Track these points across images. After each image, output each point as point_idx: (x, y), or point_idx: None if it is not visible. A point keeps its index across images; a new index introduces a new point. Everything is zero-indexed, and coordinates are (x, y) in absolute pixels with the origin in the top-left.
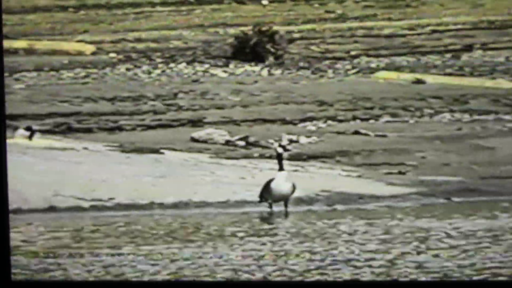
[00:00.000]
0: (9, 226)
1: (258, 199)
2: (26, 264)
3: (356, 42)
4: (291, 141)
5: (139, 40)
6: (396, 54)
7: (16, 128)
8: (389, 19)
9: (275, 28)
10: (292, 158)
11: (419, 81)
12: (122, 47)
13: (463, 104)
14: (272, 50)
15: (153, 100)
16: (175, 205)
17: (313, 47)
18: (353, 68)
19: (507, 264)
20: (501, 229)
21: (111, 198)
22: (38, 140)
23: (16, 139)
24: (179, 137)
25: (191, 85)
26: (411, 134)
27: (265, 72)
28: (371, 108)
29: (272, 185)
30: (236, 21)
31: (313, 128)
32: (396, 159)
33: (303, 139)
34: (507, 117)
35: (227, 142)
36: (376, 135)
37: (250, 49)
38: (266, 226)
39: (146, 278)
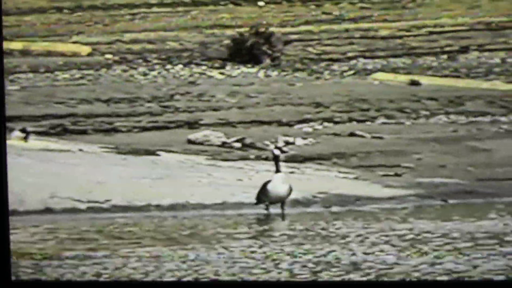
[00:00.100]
0: (9, 226)
1: (255, 201)
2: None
3: (352, 43)
4: (287, 143)
5: (135, 41)
6: (392, 55)
7: (11, 130)
8: (385, 20)
9: (271, 29)
10: (288, 160)
11: (415, 83)
12: (117, 48)
13: (459, 106)
14: (268, 51)
15: (149, 101)
16: (172, 207)
17: (309, 49)
18: (350, 69)
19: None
20: (499, 232)
21: (107, 200)
22: (34, 142)
23: (12, 141)
24: (175, 139)
25: (187, 86)
26: (407, 136)
27: (261, 73)
28: (367, 110)
29: (269, 187)
30: (232, 23)
31: (310, 130)
32: (393, 161)
33: (299, 141)
34: (503, 118)
35: (224, 144)
36: (373, 137)
37: (247, 50)
38: (263, 228)
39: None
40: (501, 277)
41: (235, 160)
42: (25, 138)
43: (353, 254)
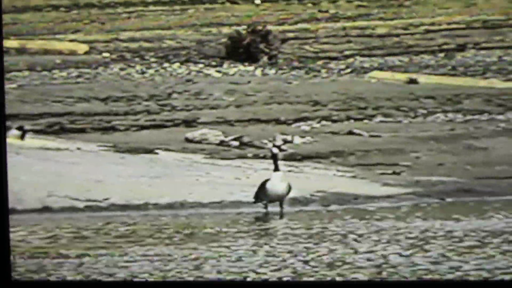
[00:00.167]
0: (9, 226)
1: (253, 199)
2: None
3: (349, 42)
4: (285, 141)
5: (132, 39)
6: (389, 54)
7: (8, 128)
8: (382, 19)
9: (268, 27)
10: (286, 158)
11: (412, 81)
12: (115, 46)
13: (456, 104)
14: (265, 50)
15: (147, 100)
16: (170, 206)
17: (306, 47)
18: (347, 68)
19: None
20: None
21: (106, 199)
22: (32, 140)
23: (9, 139)
24: (173, 137)
25: (185, 85)
26: (405, 134)
27: (258, 72)
28: (365, 108)
29: (268, 185)
30: (229, 21)
31: (307, 128)
32: (391, 160)
33: (297, 139)
34: (500, 117)
35: (221, 143)
36: (371, 136)
37: (244, 49)
38: (261, 227)
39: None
40: (503, 277)
41: (233, 159)
42: (22, 137)
43: (353, 253)
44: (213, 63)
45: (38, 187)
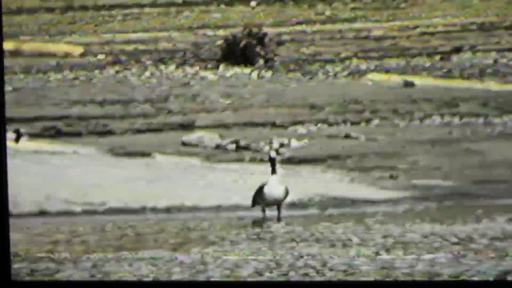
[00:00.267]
0: (9, 226)
1: (250, 203)
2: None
3: (345, 44)
4: (282, 145)
5: (127, 42)
6: (385, 56)
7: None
8: (378, 21)
9: (264, 30)
10: (283, 161)
11: (409, 84)
12: (110, 49)
13: (453, 107)
14: (261, 52)
15: (143, 103)
16: (167, 209)
17: (302, 49)
18: (343, 70)
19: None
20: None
21: (103, 202)
22: (27, 144)
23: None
24: (169, 141)
25: (181, 88)
26: (402, 138)
27: (255, 74)
28: (362, 111)
29: (265, 189)
30: (224, 23)
31: (304, 131)
32: (388, 163)
33: (294, 143)
34: (497, 120)
35: (218, 146)
36: (367, 139)
37: (240, 51)
38: (259, 231)
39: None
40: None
41: (230, 162)
42: (17, 140)
43: (352, 257)
44: (209, 66)
45: (35, 190)
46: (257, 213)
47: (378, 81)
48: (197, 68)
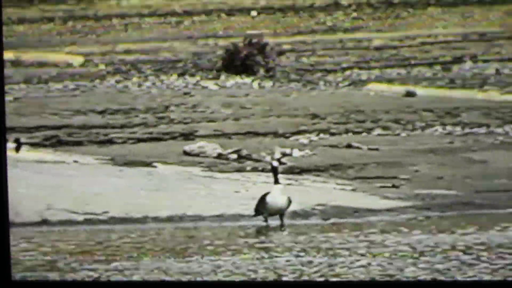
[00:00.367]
0: (9, 226)
1: (253, 212)
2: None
3: (346, 54)
4: (283, 154)
5: (128, 52)
6: (386, 66)
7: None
8: (379, 31)
9: (265, 39)
10: (285, 171)
11: (410, 94)
12: (111, 59)
13: (454, 117)
14: (262, 62)
15: (144, 112)
16: (170, 219)
17: (303, 59)
18: (344, 80)
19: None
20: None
21: (104, 212)
22: (28, 153)
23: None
24: (171, 150)
25: (182, 97)
26: (404, 147)
27: (256, 84)
28: (363, 121)
29: (268, 198)
30: (225, 33)
31: (306, 141)
32: (390, 173)
33: (296, 152)
34: (498, 130)
35: (219, 156)
36: (369, 149)
37: (240, 61)
38: (261, 240)
39: None
40: None
41: (232, 172)
42: (17, 150)
43: (355, 267)
44: (210, 76)
45: (36, 200)
46: (259, 222)
47: (379, 90)
48: (198, 77)
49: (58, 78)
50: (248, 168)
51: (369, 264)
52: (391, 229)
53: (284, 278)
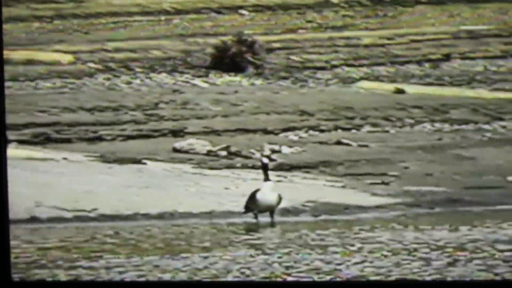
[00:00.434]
0: (9, 226)
1: (243, 209)
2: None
3: (336, 51)
4: (273, 151)
5: (117, 49)
6: (375, 63)
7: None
8: (368, 28)
9: (254, 37)
10: (275, 168)
11: (399, 91)
12: (100, 56)
13: (443, 114)
14: (251, 60)
15: (133, 110)
16: (160, 216)
17: (293, 57)
18: (334, 77)
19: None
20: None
21: (94, 209)
22: (17, 151)
23: None
24: (160, 147)
25: (171, 95)
26: (393, 144)
27: (245, 82)
28: (353, 118)
29: (258, 195)
30: (214, 31)
31: (295, 138)
32: (379, 169)
33: (285, 149)
34: (486, 126)
35: (209, 152)
36: (359, 145)
37: (230, 59)
38: (251, 237)
39: None
40: None
41: (221, 169)
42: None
43: (344, 262)
44: (200, 73)
45: (26, 197)
46: (249, 219)
47: (369, 88)
48: (187, 75)
49: (46, 75)
50: (238, 165)
51: (362, 261)
52: (381, 225)
53: (276, 273)
